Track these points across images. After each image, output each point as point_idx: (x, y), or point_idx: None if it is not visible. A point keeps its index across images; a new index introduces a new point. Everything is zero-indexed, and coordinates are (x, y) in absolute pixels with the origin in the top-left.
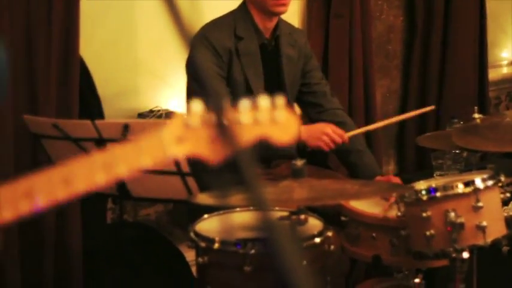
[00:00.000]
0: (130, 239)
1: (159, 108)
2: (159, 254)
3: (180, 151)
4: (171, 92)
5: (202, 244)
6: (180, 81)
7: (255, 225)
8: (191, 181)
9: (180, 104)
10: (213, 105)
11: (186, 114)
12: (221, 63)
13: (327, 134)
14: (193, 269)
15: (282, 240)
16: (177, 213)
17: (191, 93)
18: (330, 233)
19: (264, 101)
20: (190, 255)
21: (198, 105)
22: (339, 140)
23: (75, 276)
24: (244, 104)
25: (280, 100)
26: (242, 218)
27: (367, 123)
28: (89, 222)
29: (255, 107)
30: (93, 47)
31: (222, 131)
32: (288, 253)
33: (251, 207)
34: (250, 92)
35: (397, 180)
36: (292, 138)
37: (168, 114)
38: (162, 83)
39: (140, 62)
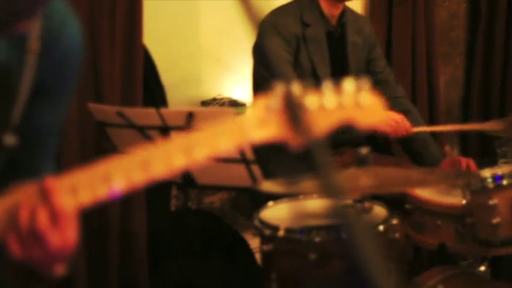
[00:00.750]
0: (194, 227)
1: (222, 97)
2: (222, 241)
3: (261, 135)
4: (234, 79)
5: (267, 232)
6: (243, 68)
7: (321, 213)
8: (256, 169)
9: (243, 92)
10: (287, 89)
11: (268, 97)
12: (289, 49)
13: (395, 121)
14: (257, 257)
15: (354, 227)
16: (241, 201)
17: (258, 80)
18: (394, 221)
19: (348, 84)
20: (254, 243)
21: (280, 89)
22: (404, 132)
23: (140, 264)
24: (328, 87)
25: (366, 83)
26: (307, 206)
27: (430, 111)
28: (153, 209)
29: (339, 90)
30: (156, 35)
31: (299, 115)
32: (361, 240)
33: (320, 195)
34: (316, 79)
35: (472, 163)
36: (378, 122)
37: (232, 103)
38: (225, 71)
39: (203, 50)
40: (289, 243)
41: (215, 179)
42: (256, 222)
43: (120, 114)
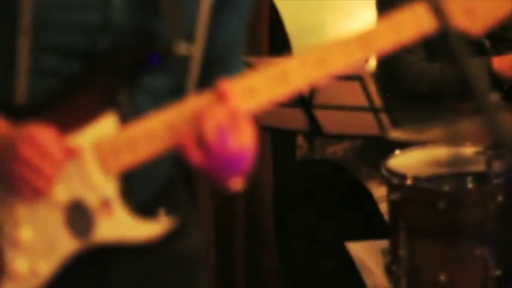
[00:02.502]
0: (318, 177)
1: None
2: (346, 191)
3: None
4: (358, 28)
5: (395, 181)
6: (367, 17)
7: (449, 161)
8: (384, 117)
9: None
10: None
11: None
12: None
13: None
14: (381, 206)
15: None
16: (365, 150)
17: None
18: None
19: None
20: (378, 192)
21: None
22: None
23: (266, 213)
24: None
25: None
26: (435, 154)
27: None
28: (279, 159)
29: None
30: None
31: None
32: None
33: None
34: None
35: None
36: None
37: None
38: (349, 19)
39: None
40: (417, 192)
41: (343, 128)
42: (383, 171)
43: (247, 64)
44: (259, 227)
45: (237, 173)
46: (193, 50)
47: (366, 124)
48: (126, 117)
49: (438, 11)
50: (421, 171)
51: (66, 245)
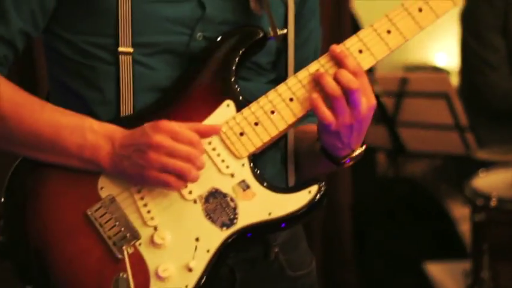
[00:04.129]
0: (398, 195)
1: (425, 65)
2: (425, 210)
3: None
4: (438, 46)
5: (479, 201)
6: (447, 34)
7: None
8: (469, 136)
9: (447, 59)
10: None
11: None
12: (498, 15)
13: None
14: (463, 227)
15: None
16: (444, 169)
17: (466, 50)
18: None
19: None
20: (457, 212)
21: None
22: None
23: (345, 230)
24: None
25: None
26: None
27: None
28: (358, 176)
29: None
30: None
31: None
32: None
33: None
34: None
35: None
36: None
37: (436, 69)
38: (428, 35)
39: None
40: (502, 213)
41: (426, 146)
42: (466, 192)
43: None
44: (337, 244)
45: (362, 135)
46: (288, 34)
47: (450, 143)
48: (241, 101)
49: None
50: (506, 192)
51: (213, 238)
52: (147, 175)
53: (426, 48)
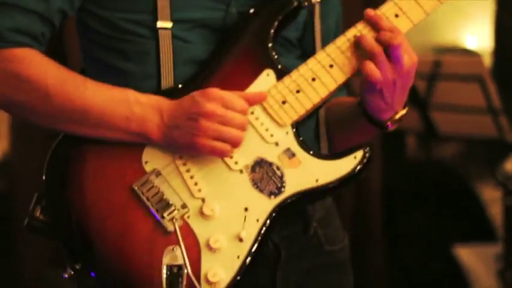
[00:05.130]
0: (427, 178)
1: (456, 47)
2: (455, 194)
3: None
4: (470, 27)
5: (511, 185)
6: (481, 16)
7: None
8: (503, 119)
9: (479, 42)
10: None
11: None
12: None
13: None
14: (493, 210)
15: None
16: (474, 152)
17: (500, 27)
18: None
19: None
20: (487, 195)
21: None
22: None
23: (374, 213)
24: None
25: None
26: None
27: None
28: (388, 159)
29: None
30: None
31: None
32: None
33: None
34: None
35: None
36: None
37: (467, 52)
38: (461, 18)
39: None
40: None
41: (458, 129)
42: (498, 175)
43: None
44: (367, 227)
45: (404, 94)
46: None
47: (483, 126)
48: (280, 70)
49: None
50: None
51: (262, 207)
52: (199, 144)
53: (456, 30)
